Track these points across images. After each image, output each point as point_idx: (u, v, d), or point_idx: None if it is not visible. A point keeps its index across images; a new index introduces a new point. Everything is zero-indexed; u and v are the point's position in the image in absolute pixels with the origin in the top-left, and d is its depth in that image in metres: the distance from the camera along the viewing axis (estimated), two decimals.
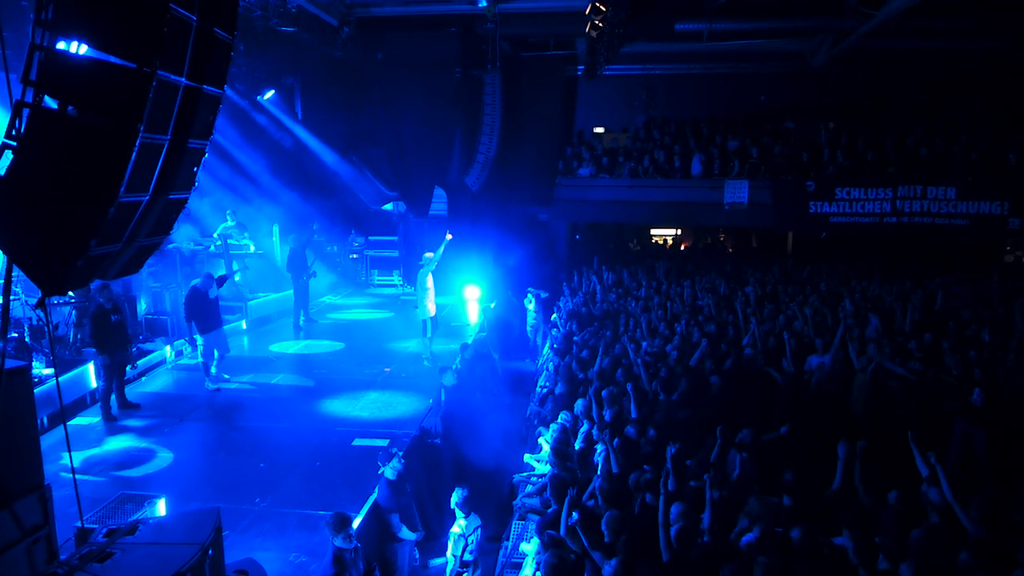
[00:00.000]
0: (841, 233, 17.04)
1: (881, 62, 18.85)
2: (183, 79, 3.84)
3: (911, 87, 19.88)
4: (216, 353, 10.19)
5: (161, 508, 5.34)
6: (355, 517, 6.03)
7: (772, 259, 16.79)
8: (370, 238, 18.48)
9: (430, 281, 11.44)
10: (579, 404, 7.41)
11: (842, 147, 17.00)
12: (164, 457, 7.93)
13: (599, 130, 21.78)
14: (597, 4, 11.64)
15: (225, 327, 12.91)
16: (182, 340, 11.42)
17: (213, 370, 10.21)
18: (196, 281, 10.17)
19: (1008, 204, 15.50)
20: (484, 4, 14.07)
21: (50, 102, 3.52)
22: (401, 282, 17.69)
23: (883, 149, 16.99)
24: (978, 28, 16.16)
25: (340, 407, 9.55)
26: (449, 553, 6.33)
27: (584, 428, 6.91)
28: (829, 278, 13.93)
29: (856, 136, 17.51)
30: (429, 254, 11.60)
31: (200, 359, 10.18)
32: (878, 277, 13.92)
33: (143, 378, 10.62)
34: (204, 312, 9.99)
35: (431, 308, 11.47)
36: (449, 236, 11.68)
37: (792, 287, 13.38)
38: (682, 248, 22.81)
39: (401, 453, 6.57)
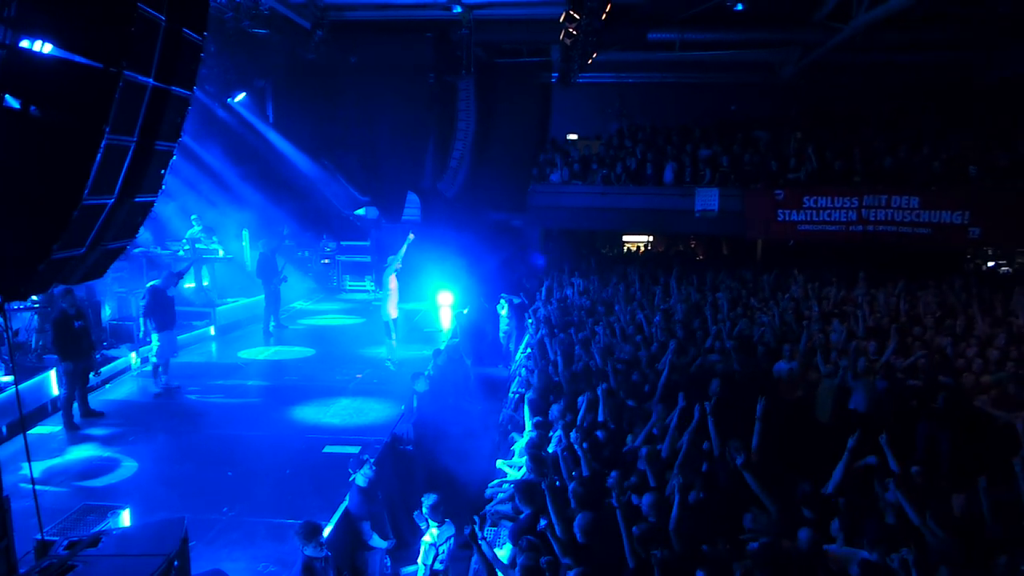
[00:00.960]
0: (809, 241, 17.33)
1: (848, 74, 19.27)
2: (151, 80, 3.77)
3: (877, 98, 20.32)
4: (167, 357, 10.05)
5: (125, 519, 5.21)
6: (325, 525, 5.95)
7: (742, 266, 16.99)
8: (342, 243, 18.34)
9: (393, 283, 11.39)
10: (553, 409, 7.41)
11: (810, 157, 17.30)
12: (128, 466, 7.75)
13: (573, 137, 21.89)
14: (571, 12, 11.72)
15: (194, 333, 12.82)
16: (148, 347, 11.22)
17: (162, 377, 10.04)
18: (156, 281, 10.00)
19: (969, 214, 15.90)
20: (459, 10, 14.08)
21: (12, 101, 3.43)
22: (373, 288, 17.58)
23: (850, 159, 17.32)
24: (942, 43, 16.64)
25: (310, 414, 9.44)
26: (420, 562, 6.27)
27: (558, 433, 6.91)
28: (797, 284, 14.12)
29: (824, 146, 17.83)
30: (393, 256, 11.58)
31: (153, 359, 10.00)
32: (844, 284, 14.16)
33: (107, 385, 10.40)
34: (162, 309, 9.83)
35: (393, 311, 11.41)
36: (412, 236, 11.66)
37: (760, 294, 13.54)
38: (659, 251, 23.03)
39: (372, 460, 6.51)
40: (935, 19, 15.27)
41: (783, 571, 4.41)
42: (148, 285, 10.09)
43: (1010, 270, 20.41)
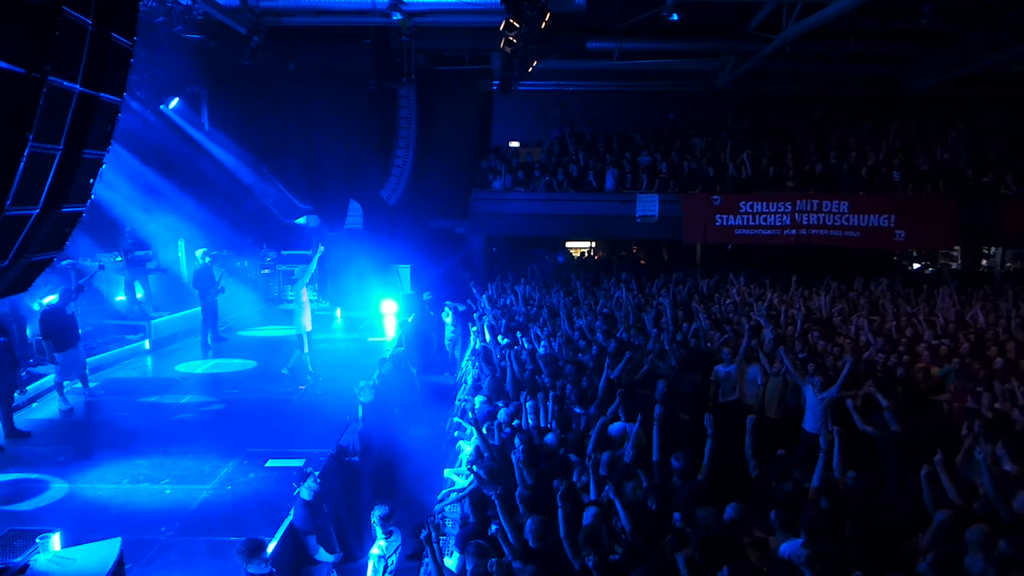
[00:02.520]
0: (746, 245, 17.87)
1: (781, 83, 19.99)
2: (77, 86, 3.65)
3: (809, 107, 21.13)
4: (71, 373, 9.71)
5: (55, 543, 4.99)
6: (269, 541, 5.82)
7: (682, 270, 17.37)
8: (283, 252, 17.99)
9: (305, 295, 11.16)
10: (501, 414, 7.43)
11: (745, 163, 17.84)
12: (58, 488, 7.41)
13: (514, 144, 22.03)
14: (511, 20, 11.81)
15: (127, 347, 12.38)
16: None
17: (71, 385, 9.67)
18: (54, 300, 9.62)
19: (895, 217, 16.69)
20: (398, 17, 14.00)
21: None
22: (316, 297, 17.26)
23: (783, 165, 17.94)
24: (868, 54, 17.45)
25: (252, 427, 9.20)
26: (369, 574, 6.19)
27: (502, 438, 6.92)
28: (736, 287, 14.52)
29: (758, 153, 18.42)
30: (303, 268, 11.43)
31: (54, 378, 9.62)
32: (780, 285, 14.64)
33: (34, 404, 9.92)
34: (62, 329, 9.47)
35: (307, 323, 11.18)
36: (321, 248, 11.50)
37: (699, 297, 13.87)
38: (599, 256, 23.34)
39: (317, 472, 6.40)
40: (861, 32, 15.99)
41: (710, 548, 4.54)
42: (44, 304, 9.69)
43: (934, 270, 21.44)
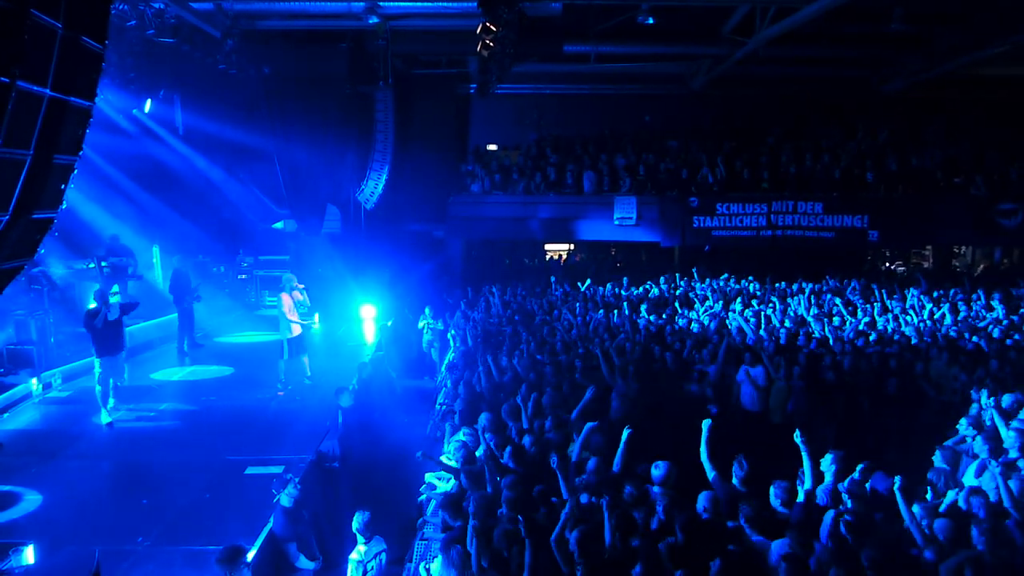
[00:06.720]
0: (723, 246, 18.04)
1: (755, 86, 20.23)
2: (47, 90, 3.61)
3: (782, 109, 21.40)
4: (112, 382, 9.51)
5: (29, 556, 4.91)
6: (249, 549, 5.76)
7: (660, 272, 17.46)
8: (260, 257, 17.82)
9: (289, 301, 11.04)
10: (482, 419, 7.41)
11: (720, 165, 18.03)
12: (31, 500, 7.28)
13: (492, 147, 22.06)
14: (488, 24, 11.84)
15: None
16: (50, 372, 10.58)
17: (111, 402, 9.49)
18: (92, 304, 9.47)
19: (867, 218, 16.99)
20: (375, 21, 13.97)
21: None
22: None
23: (758, 166, 18.15)
24: (840, 58, 17.72)
25: (230, 434, 9.11)
26: None
27: (483, 444, 6.91)
28: (717, 289, 14.66)
29: (733, 155, 18.61)
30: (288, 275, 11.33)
31: (97, 387, 9.44)
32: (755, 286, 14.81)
33: (5, 414, 9.74)
34: (103, 334, 9.31)
35: (294, 329, 11.06)
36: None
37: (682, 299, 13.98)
38: (576, 259, 23.43)
39: (297, 479, 6.35)
40: (833, 35, 16.25)
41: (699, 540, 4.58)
42: (87, 308, 9.56)
43: (906, 270, 21.80)
